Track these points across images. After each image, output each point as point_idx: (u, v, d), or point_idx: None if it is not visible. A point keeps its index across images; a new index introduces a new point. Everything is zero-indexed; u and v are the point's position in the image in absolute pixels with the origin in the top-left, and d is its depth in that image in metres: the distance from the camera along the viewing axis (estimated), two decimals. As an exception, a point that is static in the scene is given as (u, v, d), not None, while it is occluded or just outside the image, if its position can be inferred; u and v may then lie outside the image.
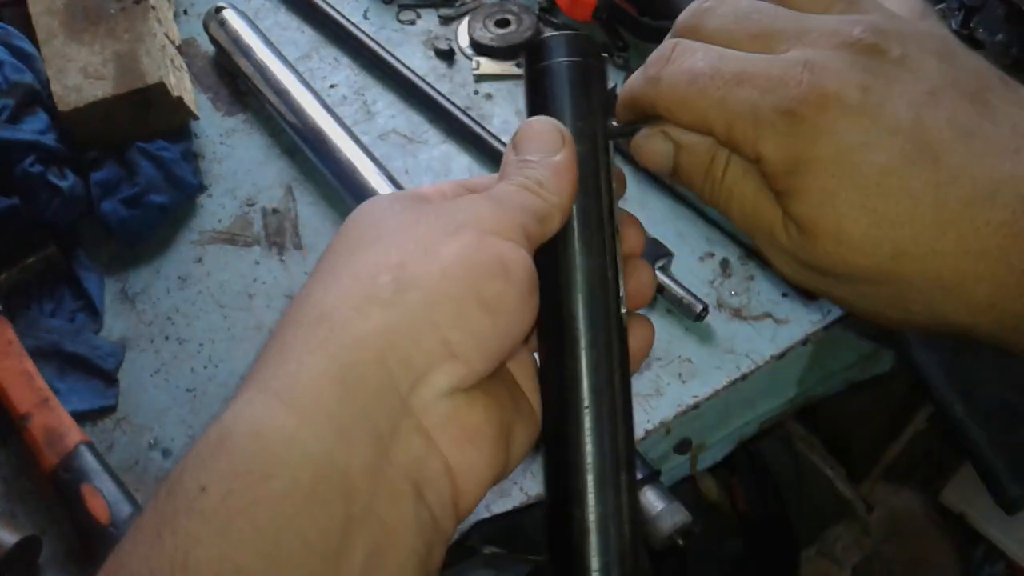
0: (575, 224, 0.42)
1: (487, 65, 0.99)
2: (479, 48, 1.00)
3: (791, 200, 0.39)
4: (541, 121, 0.43)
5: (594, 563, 0.39)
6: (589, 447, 0.40)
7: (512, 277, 0.38)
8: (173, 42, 0.96)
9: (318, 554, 0.32)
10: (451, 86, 0.98)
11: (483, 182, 0.44)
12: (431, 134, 0.95)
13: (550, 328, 0.42)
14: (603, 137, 0.44)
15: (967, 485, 1.21)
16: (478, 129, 0.91)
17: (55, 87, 0.84)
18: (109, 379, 0.79)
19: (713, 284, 0.83)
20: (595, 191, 0.43)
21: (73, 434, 0.72)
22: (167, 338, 0.82)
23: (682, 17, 0.43)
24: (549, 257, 0.41)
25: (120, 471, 0.73)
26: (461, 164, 0.92)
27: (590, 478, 0.40)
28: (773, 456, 1.25)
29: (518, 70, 0.98)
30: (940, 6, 0.90)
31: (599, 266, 0.42)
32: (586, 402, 0.40)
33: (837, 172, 0.37)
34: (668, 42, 0.42)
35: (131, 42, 0.87)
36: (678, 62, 0.41)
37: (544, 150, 0.42)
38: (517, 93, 0.97)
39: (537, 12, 1.01)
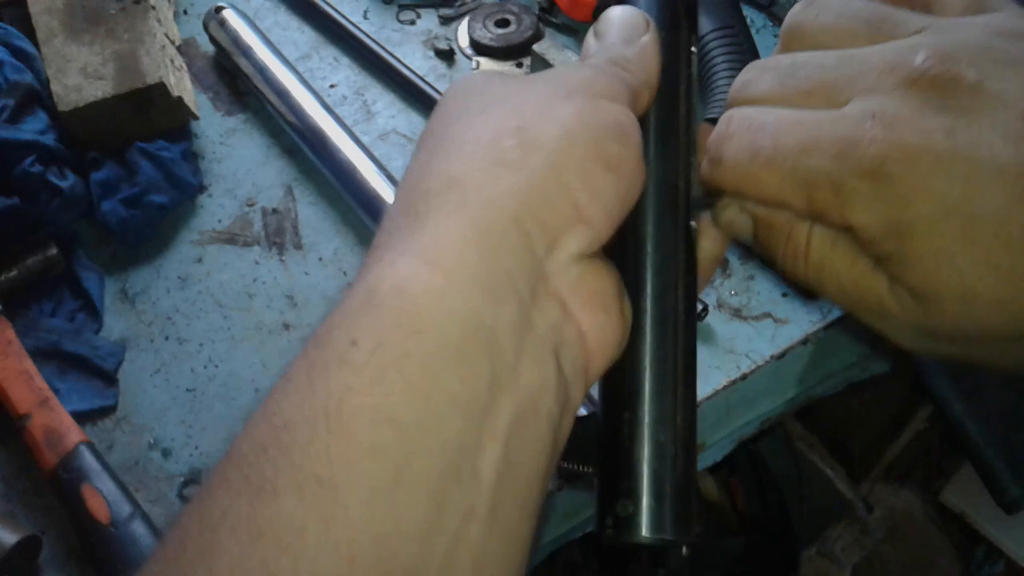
0: (651, 126, 0.41)
1: (487, 65, 0.99)
2: (479, 48, 1.00)
3: (900, 267, 0.35)
4: (623, 8, 0.42)
5: (644, 468, 0.38)
6: (648, 348, 0.39)
7: (629, 140, 0.37)
8: (173, 42, 0.96)
9: (465, 410, 0.31)
10: (451, 86, 0.98)
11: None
12: (431, 134, 0.94)
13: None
14: (686, 50, 0.43)
15: (967, 485, 1.22)
16: (478, 129, 0.91)
17: (55, 87, 0.84)
18: (109, 379, 0.79)
19: (713, 284, 0.83)
20: (673, 98, 0.42)
21: (73, 434, 0.72)
22: (167, 338, 0.82)
23: (731, 89, 0.41)
24: None
25: (120, 471, 0.73)
26: (461, 164, 0.92)
27: (646, 380, 0.39)
28: (773, 456, 1.25)
29: (518, 70, 0.98)
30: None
31: (671, 173, 0.41)
32: (648, 305, 0.39)
33: (947, 230, 0.33)
34: (723, 117, 0.40)
35: (131, 42, 0.87)
36: (736, 138, 0.38)
37: (628, 34, 0.41)
38: (517, 93, 0.97)
39: (537, 12, 1.01)
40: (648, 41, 0.41)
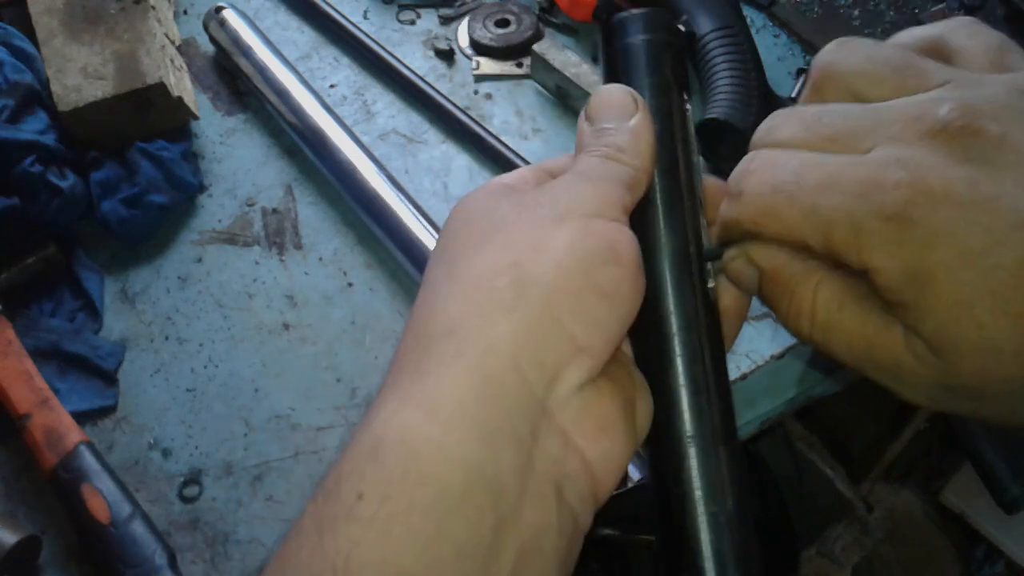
0: (656, 198, 0.41)
1: (487, 65, 0.99)
2: (479, 48, 1.00)
3: (918, 316, 0.34)
4: (611, 88, 0.42)
5: (702, 541, 0.38)
6: (686, 423, 0.39)
7: (624, 260, 0.37)
8: (173, 42, 0.96)
9: (470, 555, 0.33)
10: (451, 86, 0.98)
11: (561, 163, 0.43)
12: (431, 134, 0.95)
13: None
14: (679, 112, 0.43)
15: (967, 485, 1.22)
16: (478, 129, 0.91)
17: (55, 87, 0.84)
18: (109, 379, 0.79)
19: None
20: (673, 166, 0.42)
21: (73, 434, 0.72)
22: (167, 338, 0.82)
23: (754, 136, 0.41)
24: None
25: (120, 471, 0.73)
26: (461, 164, 0.92)
27: (690, 455, 0.39)
28: (773, 456, 1.25)
29: (518, 70, 0.98)
30: (940, 6, 0.90)
31: (681, 241, 0.41)
32: (680, 380, 0.40)
33: (967, 279, 0.33)
34: (746, 157, 0.40)
35: (131, 42, 0.87)
36: (758, 173, 0.38)
37: (619, 116, 0.42)
38: (517, 93, 0.97)
39: (537, 12, 1.01)
40: (639, 122, 0.41)
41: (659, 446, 0.40)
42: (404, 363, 0.37)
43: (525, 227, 0.38)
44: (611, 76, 0.44)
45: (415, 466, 0.33)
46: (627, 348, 0.42)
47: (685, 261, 0.41)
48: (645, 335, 0.41)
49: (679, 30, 0.44)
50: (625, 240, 0.38)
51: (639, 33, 0.43)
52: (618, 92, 0.42)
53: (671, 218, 0.41)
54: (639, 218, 0.41)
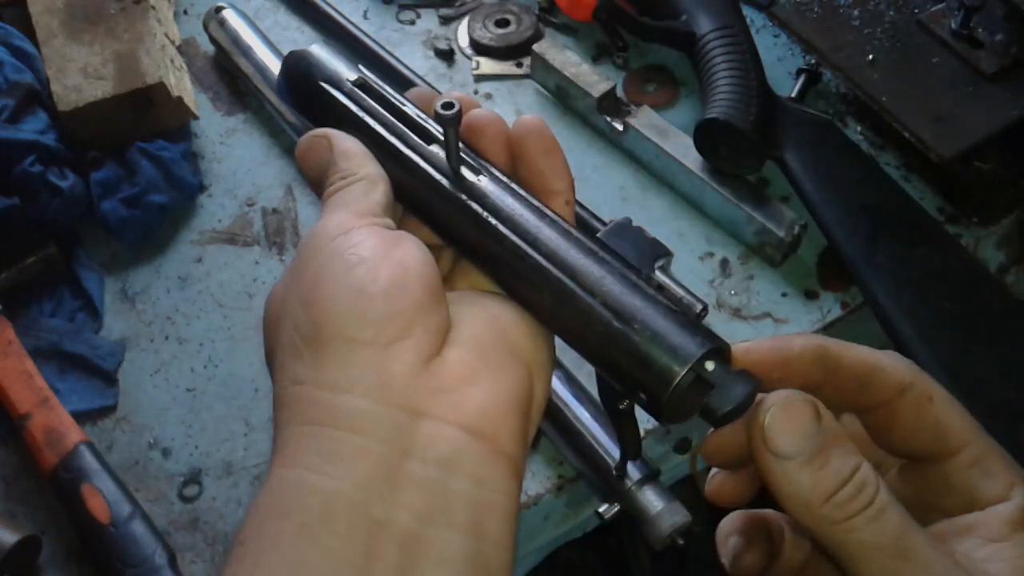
0: (401, 166, 0.44)
1: (487, 65, 0.99)
2: (479, 48, 1.00)
3: None
4: (300, 144, 0.46)
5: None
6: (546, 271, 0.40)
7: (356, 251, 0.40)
8: (173, 42, 0.96)
9: (346, 562, 0.34)
10: (451, 86, 0.98)
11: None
12: (431, 134, 0.95)
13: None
14: (354, 104, 0.46)
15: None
16: (478, 129, 0.91)
17: (55, 87, 0.84)
18: (109, 379, 0.79)
19: (713, 284, 0.83)
20: (382, 140, 0.45)
21: (73, 434, 0.72)
22: (167, 338, 0.82)
23: None
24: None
25: (120, 471, 0.73)
26: (461, 164, 0.92)
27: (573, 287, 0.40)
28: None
29: (518, 70, 0.98)
30: (940, 6, 0.90)
31: (422, 173, 0.44)
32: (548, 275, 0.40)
33: None
34: None
35: (131, 42, 0.87)
36: None
37: (319, 156, 0.45)
38: (517, 93, 0.97)
39: (537, 12, 1.01)
40: (337, 145, 0.45)
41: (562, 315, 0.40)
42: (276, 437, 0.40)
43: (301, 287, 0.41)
44: (309, 119, 0.48)
45: (279, 503, 0.36)
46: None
47: (435, 182, 0.43)
48: (472, 256, 0.43)
49: (298, 54, 0.48)
50: (363, 238, 0.40)
51: (285, 87, 0.49)
52: (304, 142, 0.46)
53: (409, 167, 0.44)
54: (407, 187, 0.44)
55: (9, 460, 0.75)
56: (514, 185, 0.43)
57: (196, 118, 0.92)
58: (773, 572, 0.44)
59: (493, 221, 0.41)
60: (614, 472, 0.69)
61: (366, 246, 0.40)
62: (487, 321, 0.41)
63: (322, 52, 0.48)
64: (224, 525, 0.73)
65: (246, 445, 0.76)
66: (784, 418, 0.36)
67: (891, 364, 0.41)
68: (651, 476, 0.69)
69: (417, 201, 0.44)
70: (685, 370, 0.37)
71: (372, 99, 0.46)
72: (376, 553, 0.35)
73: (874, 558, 0.35)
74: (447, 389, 0.38)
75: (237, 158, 0.94)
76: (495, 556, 0.37)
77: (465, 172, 0.43)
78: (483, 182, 0.43)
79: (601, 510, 0.71)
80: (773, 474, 0.36)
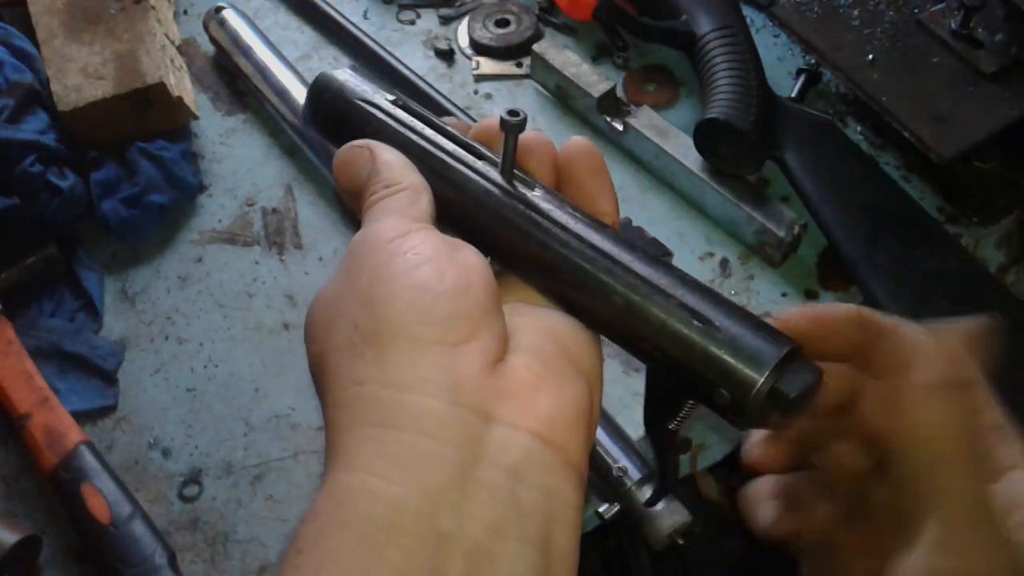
0: (443, 179, 0.44)
1: (487, 65, 0.99)
2: (479, 48, 1.00)
3: None
4: (340, 154, 0.46)
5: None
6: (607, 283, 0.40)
7: (428, 252, 0.40)
8: (173, 42, 0.96)
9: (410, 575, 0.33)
10: (451, 86, 0.98)
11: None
12: (431, 134, 0.95)
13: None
14: (394, 119, 0.46)
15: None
16: (478, 129, 0.91)
17: (55, 87, 0.84)
18: (109, 379, 0.79)
19: (713, 284, 0.83)
20: (425, 154, 0.44)
21: (73, 434, 0.72)
22: (167, 338, 0.82)
23: None
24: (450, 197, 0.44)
25: (120, 471, 0.73)
26: (461, 164, 0.92)
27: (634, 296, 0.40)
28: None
29: (518, 70, 0.98)
30: (940, 6, 0.90)
31: (477, 185, 0.43)
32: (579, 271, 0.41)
33: None
34: None
35: (131, 42, 0.87)
36: None
37: (360, 167, 0.44)
38: (517, 93, 0.97)
39: (537, 12, 1.01)
40: (379, 156, 0.44)
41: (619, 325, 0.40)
42: (330, 440, 0.38)
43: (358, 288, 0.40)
44: (335, 140, 0.48)
45: (338, 511, 0.34)
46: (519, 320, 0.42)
47: (489, 194, 0.43)
48: (526, 268, 0.42)
49: (329, 75, 0.49)
50: (421, 240, 0.39)
51: (318, 101, 0.48)
52: (344, 152, 0.45)
53: (458, 180, 0.44)
54: (453, 201, 0.43)
55: (9, 460, 0.75)
56: (566, 200, 0.43)
57: (196, 118, 0.92)
58: (807, 534, 0.45)
59: (555, 230, 0.41)
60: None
61: (428, 246, 0.39)
62: (545, 331, 0.40)
63: (354, 74, 0.48)
64: (224, 525, 0.73)
65: (246, 445, 0.76)
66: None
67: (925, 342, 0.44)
68: (651, 476, 0.69)
69: (465, 215, 0.43)
70: (777, 359, 0.37)
71: (413, 117, 0.46)
72: (443, 566, 0.33)
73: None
74: (516, 394, 0.37)
75: (237, 158, 0.94)
76: (561, 572, 0.35)
77: (517, 184, 0.43)
78: (538, 194, 0.43)
79: (601, 510, 0.71)
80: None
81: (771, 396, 0.37)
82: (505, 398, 0.36)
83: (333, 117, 0.48)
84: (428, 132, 0.45)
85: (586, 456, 0.38)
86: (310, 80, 0.93)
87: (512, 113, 0.41)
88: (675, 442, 0.42)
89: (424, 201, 0.42)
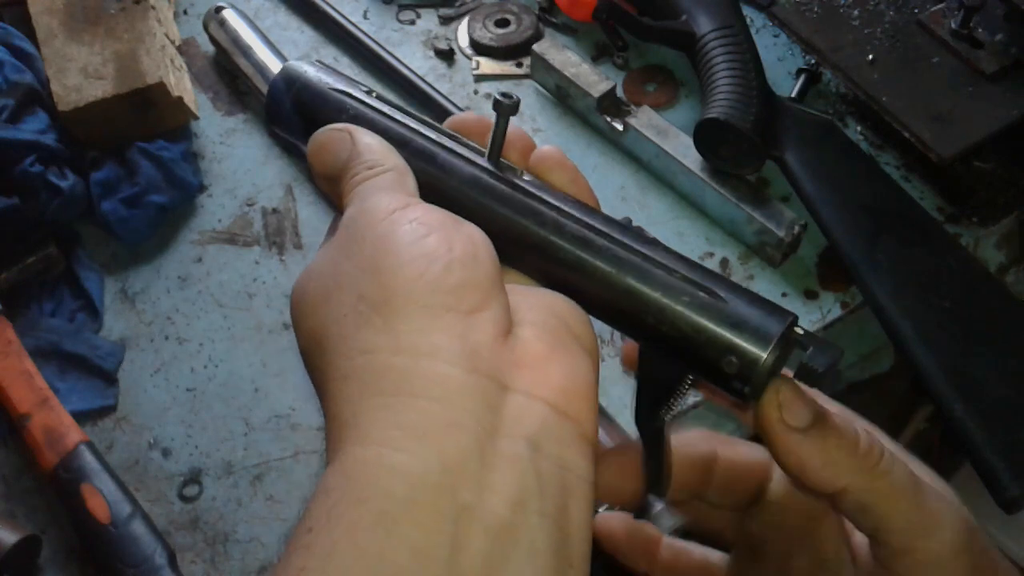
0: (426, 160, 0.44)
1: (487, 65, 0.99)
2: (479, 48, 1.00)
3: None
4: (316, 137, 0.45)
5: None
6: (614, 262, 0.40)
7: (434, 224, 0.39)
8: (173, 42, 0.96)
9: (430, 555, 0.31)
10: (451, 86, 0.98)
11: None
12: (431, 134, 0.95)
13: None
14: (371, 107, 0.46)
15: (967, 485, 1.21)
16: (478, 129, 0.91)
17: (55, 87, 0.84)
18: (109, 379, 0.79)
19: (713, 284, 0.83)
20: (405, 140, 0.44)
21: (73, 434, 0.72)
22: (167, 338, 0.82)
23: None
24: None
25: (120, 471, 0.73)
26: (461, 164, 0.92)
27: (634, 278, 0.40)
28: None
29: (518, 70, 0.98)
30: (940, 6, 0.90)
31: (465, 168, 0.43)
32: (572, 254, 0.40)
33: None
34: None
35: (131, 42, 0.87)
36: None
37: (338, 149, 0.44)
38: (517, 93, 0.97)
39: (537, 12, 1.01)
40: (358, 138, 0.43)
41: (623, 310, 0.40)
42: (335, 413, 0.37)
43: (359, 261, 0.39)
44: (304, 134, 0.46)
45: (353, 487, 0.33)
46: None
47: (478, 177, 0.42)
48: (520, 249, 0.42)
49: (298, 68, 0.47)
50: (423, 212, 0.39)
51: (285, 94, 0.47)
52: (320, 136, 0.44)
53: (445, 164, 0.43)
54: (436, 189, 0.43)
55: (9, 460, 0.75)
56: (553, 187, 0.43)
57: (196, 118, 0.92)
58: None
59: (549, 211, 0.41)
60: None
61: (432, 217, 0.38)
62: (545, 308, 0.39)
63: (323, 65, 0.47)
64: (224, 525, 0.73)
65: (246, 445, 0.76)
66: (794, 394, 0.39)
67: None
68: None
69: (453, 199, 0.42)
70: (784, 328, 0.37)
71: (390, 107, 0.46)
72: (463, 543, 0.32)
73: (902, 497, 0.39)
74: (529, 364, 0.36)
75: (237, 158, 0.94)
76: (577, 549, 0.34)
77: (505, 168, 0.43)
78: (527, 177, 0.43)
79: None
80: (798, 446, 0.39)
81: (801, 371, 0.38)
82: (520, 367, 0.36)
83: (304, 109, 0.46)
84: (407, 120, 0.45)
85: (596, 430, 0.37)
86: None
87: (505, 96, 0.41)
88: (664, 439, 0.42)
89: (411, 182, 0.42)
